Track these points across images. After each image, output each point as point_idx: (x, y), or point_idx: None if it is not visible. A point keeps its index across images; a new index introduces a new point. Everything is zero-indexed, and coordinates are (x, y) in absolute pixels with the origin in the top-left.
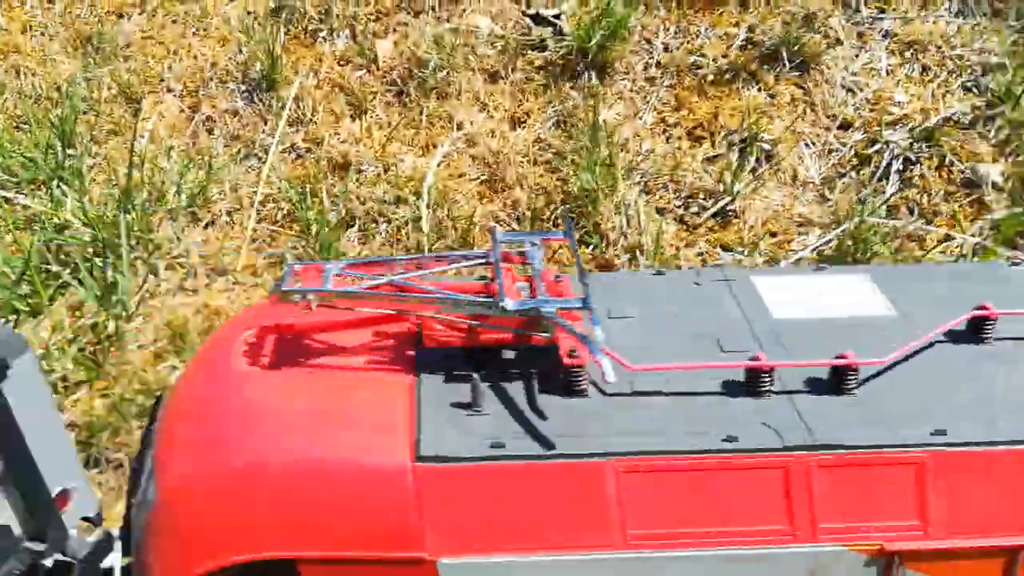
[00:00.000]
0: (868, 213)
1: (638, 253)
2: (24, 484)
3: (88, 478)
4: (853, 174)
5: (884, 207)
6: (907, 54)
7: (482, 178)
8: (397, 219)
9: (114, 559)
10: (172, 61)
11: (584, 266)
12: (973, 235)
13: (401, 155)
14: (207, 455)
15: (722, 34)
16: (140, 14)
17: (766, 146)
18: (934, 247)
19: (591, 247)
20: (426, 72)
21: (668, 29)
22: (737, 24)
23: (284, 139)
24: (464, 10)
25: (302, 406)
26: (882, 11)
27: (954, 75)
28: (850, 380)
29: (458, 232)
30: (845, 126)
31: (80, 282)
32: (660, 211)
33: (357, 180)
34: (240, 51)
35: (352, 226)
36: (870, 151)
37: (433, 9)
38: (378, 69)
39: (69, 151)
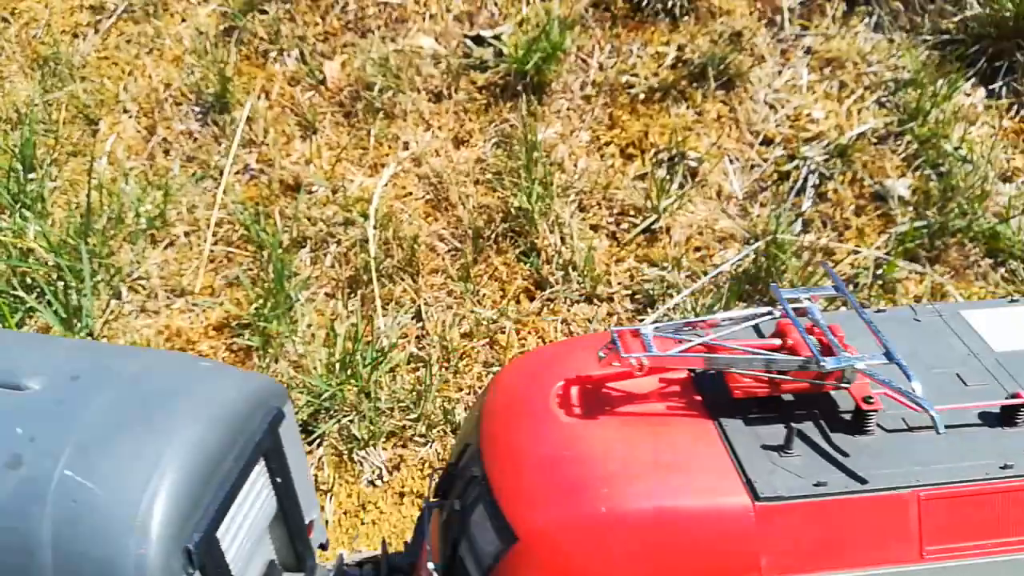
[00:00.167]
0: (783, 229)
1: (570, 269)
2: (290, 519)
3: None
4: (773, 189)
5: (800, 221)
6: (826, 71)
7: (427, 197)
8: (347, 240)
9: None
10: (128, 82)
11: (868, 317)
12: (878, 247)
13: (350, 175)
14: (568, 502)
15: (654, 53)
16: (96, 33)
17: (692, 163)
18: (844, 259)
19: (528, 264)
20: (373, 93)
21: (603, 48)
22: (668, 43)
23: (238, 160)
24: (409, 30)
25: (640, 454)
26: (805, 28)
27: (869, 91)
28: None
29: (404, 252)
30: (767, 142)
31: (48, 304)
32: (594, 228)
33: (308, 201)
34: (192, 72)
35: (304, 246)
36: (789, 167)
37: (379, 29)
38: (327, 90)
39: (30, 175)
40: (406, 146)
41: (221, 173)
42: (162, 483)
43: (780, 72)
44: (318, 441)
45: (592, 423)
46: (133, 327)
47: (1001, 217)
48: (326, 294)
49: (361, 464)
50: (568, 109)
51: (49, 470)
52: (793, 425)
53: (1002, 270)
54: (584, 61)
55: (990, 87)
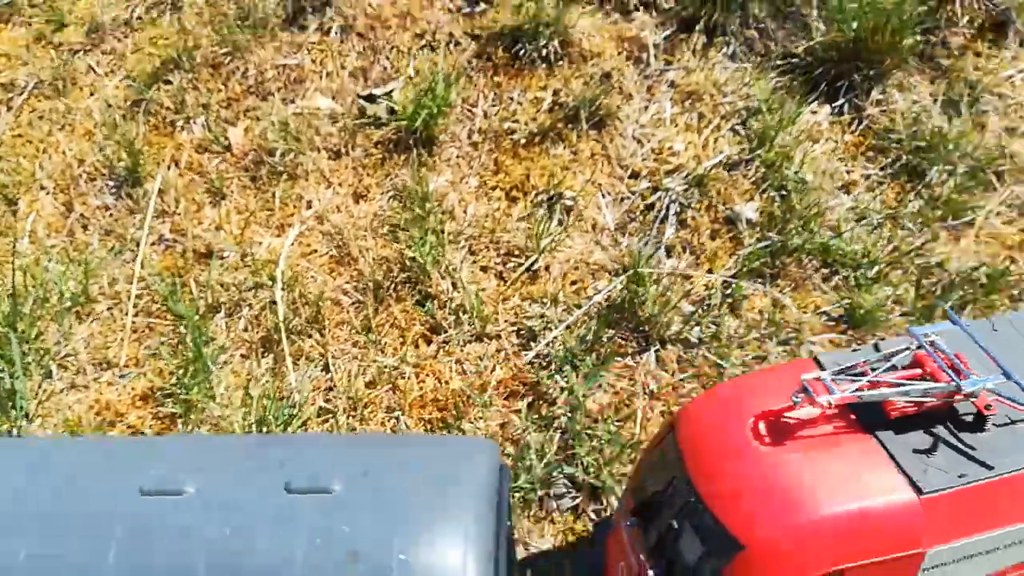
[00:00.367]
0: (645, 259)
1: (461, 313)
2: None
3: None
4: (641, 219)
5: (664, 248)
6: (687, 103)
7: (331, 253)
8: (257, 303)
9: None
10: (43, 159)
11: (983, 344)
12: (728, 268)
13: (259, 238)
14: (784, 512)
15: (532, 98)
16: (8, 111)
17: (569, 201)
18: (699, 281)
19: (424, 311)
20: (275, 157)
21: (486, 97)
22: (544, 88)
23: (152, 232)
24: (307, 89)
25: (828, 468)
26: (669, 63)
27: (725, 120)
28: None
29: (310, 309)
30: (635, 175)
31: None
32: (484, 269)
33: (220, 267)
34: (104, 147)
35: (219, 311)
36: (654, 198)
37: (279, 91)
38: (233, 155)
39: None
40: (309, 205)
41: (138, 245)
42: (469, 558)
43: (647, 107)
44: None
45: (783, 448)
46: (65, 404)
47: (835, 231)
48: (241, 356)
49: None
50: (457, 157)
51: (387, 558)
52: (934, 432)
53: (836, 278)
54: (470, 110)
55: (834, 104)
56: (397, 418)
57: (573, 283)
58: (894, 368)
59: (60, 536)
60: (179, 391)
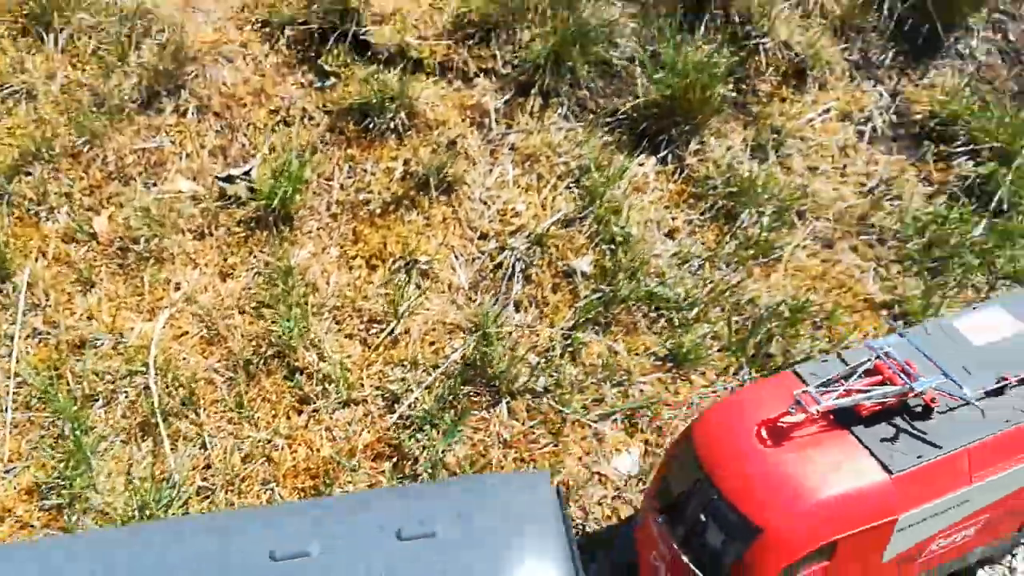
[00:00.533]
0: (493, 318)
1: (327, 384)
2: None
3: None
4: (491, 277)
5: (512, 304)
6: (527, 165)
7: (201, 334)
8: (133, 389)
9: None
10: None
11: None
12: (568, 320)
13: (130, 324)
14: (792, 500)
15: (385, 168)
16: None
17: (424, 266)
18: (543, 333)
19: (293, 384)
20: (140, 244)
21: (342, 169)
22: (396, 158)
23: (26, 326)
24: (168, 172)
25: (821, 459)
26: (509, 126)
27: (561, 179)
28: None
29: (185, 390)
30: (484, 236)
31: None
32: (349, 336)
33: (95, 356)
34: None
35: (97, 400)
36: (501, 257)
37: (140, 175)
38: (99, 243)
39: None
40: (178, 287)
41: (12, 340)
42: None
43: (491, 170)
44: None
45: (783, 448)
46: None
47: (660, 277)
48: (121, 442)
49: None
50: (318, 229)
51: None
52: (896, 423)
53: (662, 321)
54: (327, 183)
55: (659, 156)
56: (272, 490)
57: (431, 344)
58: (861, 376)
59: None
60: (62, 483)
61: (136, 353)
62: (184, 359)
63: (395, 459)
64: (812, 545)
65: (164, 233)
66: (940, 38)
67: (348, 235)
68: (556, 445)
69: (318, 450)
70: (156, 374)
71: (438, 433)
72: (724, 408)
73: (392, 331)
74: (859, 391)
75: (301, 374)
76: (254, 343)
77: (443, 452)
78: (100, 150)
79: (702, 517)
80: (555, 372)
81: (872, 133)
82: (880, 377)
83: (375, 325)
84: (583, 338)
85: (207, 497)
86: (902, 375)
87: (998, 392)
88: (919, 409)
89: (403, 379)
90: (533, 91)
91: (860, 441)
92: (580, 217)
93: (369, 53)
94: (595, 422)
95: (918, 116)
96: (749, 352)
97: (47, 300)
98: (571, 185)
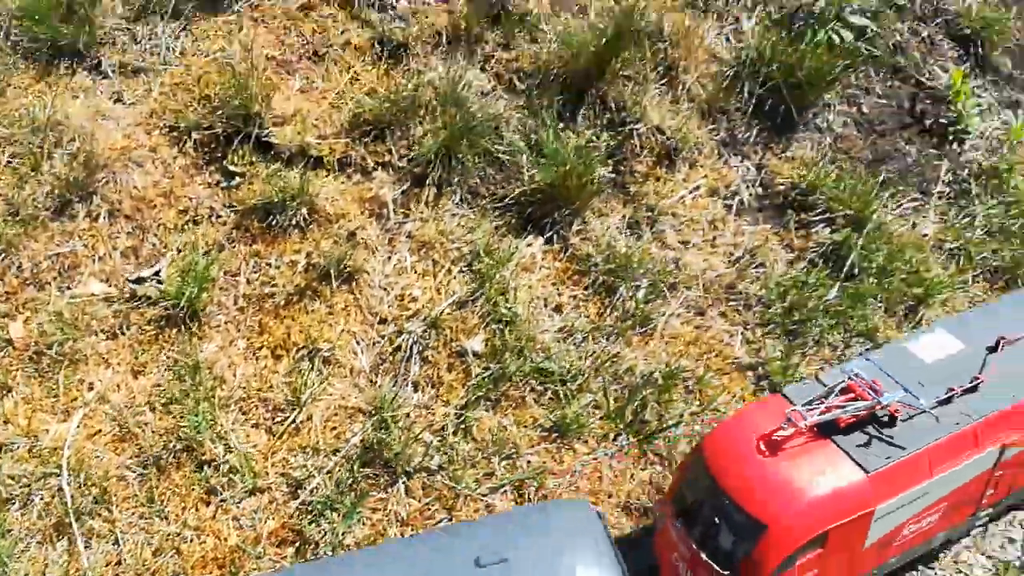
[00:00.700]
0: (391, 400)
1: (234, 473)
2: None
3: None
4: (391, 360)
5: (411, 385)
6: (423, 251)
7: (114, 432)
8: (47, 491)
9: None
10: None
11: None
12: (462, 397)
13: (45, 425)
14: (791, 500)
15: (288, 261)
16: None
17: (327, 353)
18: (439, 412)
19: (201, 477)
20: (54, 348)
21: (248, 264)
22: (299, 251)
23: None
24: (82, 274)
25: (810, 465)
26: (406, 215)
27: (454, 264)
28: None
29: (98, 488)
30: (383, 321)
31: None
32: (255, 426)
33: (10, 459)
34: None
35: (13, 504)
36: (399, 340)
37: (55, 279)
38: (15, 349)
39: None
40: (91, 387)
41: None
42: None
43: (389, 258)
44: None
45: (778, 457)
46: None
47: (545, 352)
48: (37, 543)
49: None
50: (225, 322)
51: None
52: (868, 431)
53: (548, 393)
54: (234, 278)
55: (546, 236)
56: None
57: (333, 429)
58: (838, 394)
59: None
60: None
61: (50, 455)
62: (97, 457)
63: (297, 544)
64: (808, 535)
65: (78, 335)
66: (795, 116)
67: (254, 327)
68: (450, 519)
69: (225, 539)
70: (70, 474)
71: (338, 516)
72: (728, 427)
73: (295, 419)
74: (837, 407)
75: (209, 466)
76: (164, 438)
77: (343, 534)
78: (15, 257)
79: (715, 519)
80: (449, 450)
81: (739, 205)
82: (853, 394)
83: (280, 413)
84: (474, 415)
85: None
86: (871, 392)
87: (947, 401)
88: (886, 419)
89: (304, 465)
90: (428, 182)
91: (840, 448)
92: (472, 299)
93: (272, 152)
94: (486, 495)
95: (781, 187)
96: (627, 419)
97: None
98: (464, 269)
